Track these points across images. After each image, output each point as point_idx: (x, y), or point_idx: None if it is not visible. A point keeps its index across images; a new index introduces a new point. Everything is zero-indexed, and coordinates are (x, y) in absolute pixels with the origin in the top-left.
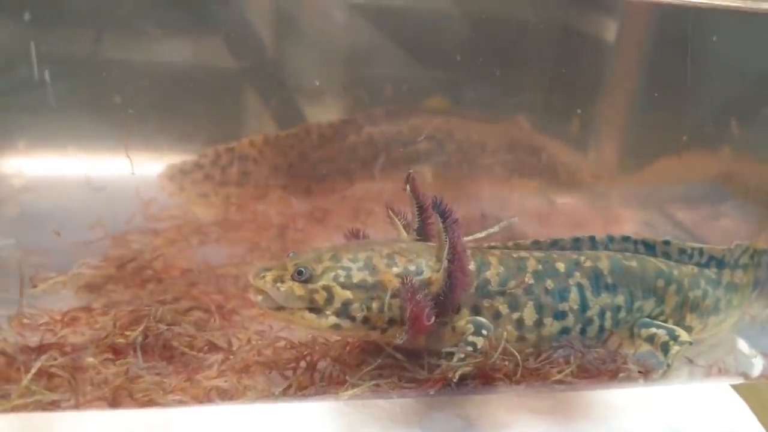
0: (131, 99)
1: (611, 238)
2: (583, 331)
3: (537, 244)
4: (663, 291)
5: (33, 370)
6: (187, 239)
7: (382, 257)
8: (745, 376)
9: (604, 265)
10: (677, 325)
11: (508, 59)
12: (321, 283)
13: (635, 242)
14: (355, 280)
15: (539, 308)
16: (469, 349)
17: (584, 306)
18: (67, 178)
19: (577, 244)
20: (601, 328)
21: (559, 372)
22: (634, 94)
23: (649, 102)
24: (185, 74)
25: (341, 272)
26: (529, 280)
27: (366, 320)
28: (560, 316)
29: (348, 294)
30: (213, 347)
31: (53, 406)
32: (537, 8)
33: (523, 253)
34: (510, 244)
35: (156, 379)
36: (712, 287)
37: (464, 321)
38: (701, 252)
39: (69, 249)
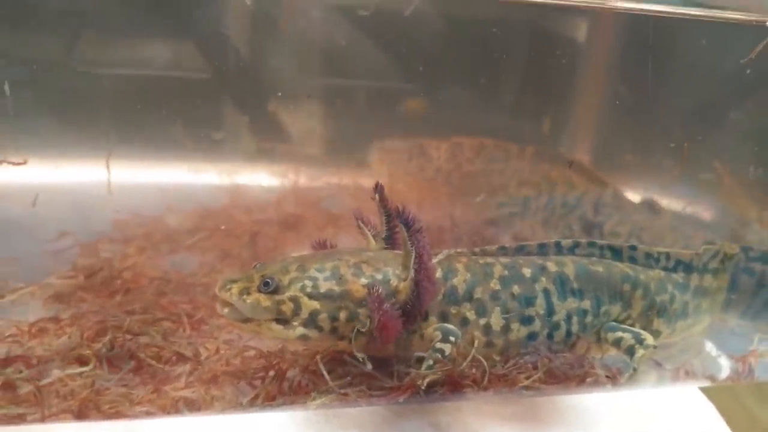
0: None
1: (577, 243)
2: (550, 336)
3: (503, 250)
4: (629, 295)
5: None
6: (157, 247)
7: (349, 267)
8: (713, 378)
9: (569, 270)
10: (644, 329)
11: None
12: (288, 294)
13: (601, 247)
14: (322, 290)
15: (506, 313)
16: (438, 355)
17: (551, 311)
18: (36, 186)
19: (542, 249)
20: (569, 333)
21: (527, 378)
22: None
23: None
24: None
25: (308, 282)
26: (495, 286)
27: (334, 330)
28: (527, 321)
29: (315, 304)
30: (181, 357)
31: (19, 419)
32: None
33: (489, 259)
34: (476, 250)
35: (123, 391)
36: (680, 291)
37: (432, 328)
38: (668, 256)
39: (38, 258)
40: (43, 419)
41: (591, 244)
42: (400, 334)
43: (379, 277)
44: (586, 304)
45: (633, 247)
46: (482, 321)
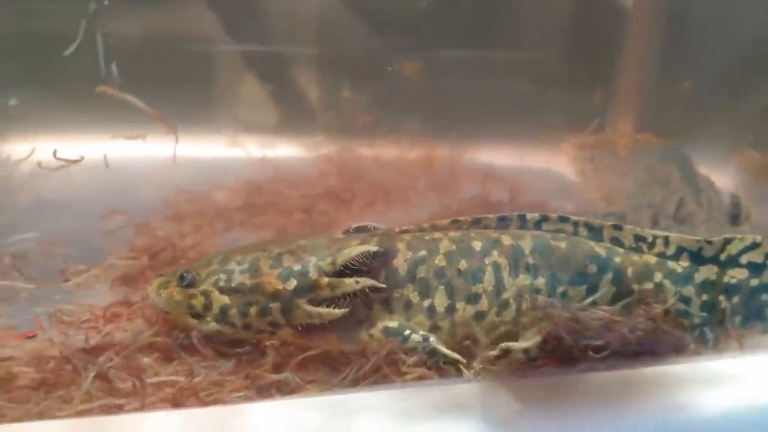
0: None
1: (545, 218)
2: (498, 315)
3: (456, 223)
4: (595, 278)
5: (92, 374)
6: (212, 225)
7: (269, 258)
8: None
9: (526, 243)
10: None
11: None
12: (201, 287)
13: (576, 223)
14: (233, 284)
15: (451, 292)
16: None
17: (499, 288)
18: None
19: (503, 223)
20: (519, 312)
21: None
22: None
23: None
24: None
25: (222, 276)
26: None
27: (247, 326)
28: (474, 299)
29: (225, 299)
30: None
31: (117, 408)
32: None
33: (437, 235)
34: (426, 225)
35: (216, 378)
36: (675, 283)
37: (377, 330)
38: (667, 241)
39: (91, 238)
40: (142, 408)
41: (563, 219)
42: (345, 326)
43: (297, 268)
44: (540, 282)
45: (618, 227)
46: (426, 303)
